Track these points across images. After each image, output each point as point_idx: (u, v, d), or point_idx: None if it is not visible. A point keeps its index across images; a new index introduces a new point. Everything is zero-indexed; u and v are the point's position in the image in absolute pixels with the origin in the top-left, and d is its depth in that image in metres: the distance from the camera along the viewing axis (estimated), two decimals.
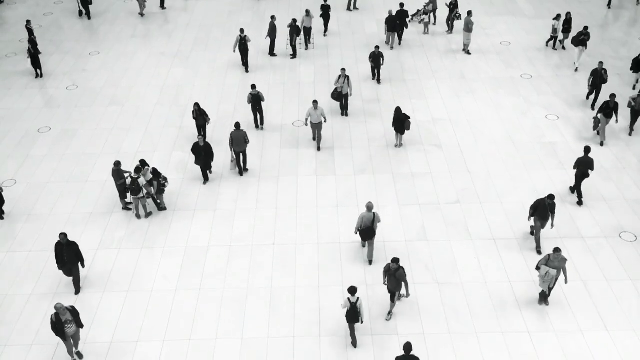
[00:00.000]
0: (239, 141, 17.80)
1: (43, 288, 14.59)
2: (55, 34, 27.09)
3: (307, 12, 24.68)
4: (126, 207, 16.89)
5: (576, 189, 16.70)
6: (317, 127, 18.68)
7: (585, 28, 22.22)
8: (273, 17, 24.08)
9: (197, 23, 27.93)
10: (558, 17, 24.16)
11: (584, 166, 16.39)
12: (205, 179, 17.71)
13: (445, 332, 13.32)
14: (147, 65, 24.39)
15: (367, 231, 14.72)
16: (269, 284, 14.56)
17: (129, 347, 13.14)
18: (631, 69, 21.66)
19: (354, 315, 12.50)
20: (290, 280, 14.65)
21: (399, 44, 25.63)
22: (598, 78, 20.20)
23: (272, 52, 24.84)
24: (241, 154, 18.18)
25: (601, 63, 20.04)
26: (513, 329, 13.34)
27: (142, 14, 28.55)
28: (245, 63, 23.85)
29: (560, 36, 25.69)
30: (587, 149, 16.45)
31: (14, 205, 17.23)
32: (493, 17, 27.95)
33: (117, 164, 16.19)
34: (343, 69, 20.05)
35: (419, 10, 27.19)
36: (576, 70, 22.96)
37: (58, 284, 14.68)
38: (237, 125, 17.73)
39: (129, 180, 16.02)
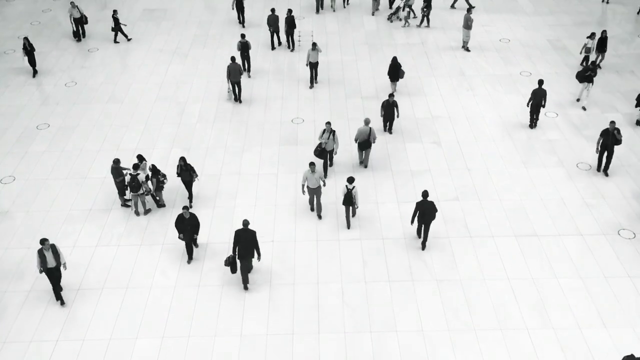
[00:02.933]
0: (234, 72, 20.88)
1: (42, 285, 14.59)
2: (53, 31, 27.04)
3: (314, 45, 21.31)
4: (125, 204, 16.89)
5: (535, 117, 19.68)
6: (315, 193, 15.96)
7: (593, 63, 20.19)
8: (273, 10, 24.29)
9: (195, 20, 27.89)
10: (592, 35, 22.19)
11: (538, 97, 19.20)
12: (190, 256, 14.95)
13: (444, 329, 13.33)
14: (145, 62, 24.36)
15: (364, 143, 17.63)
16: (267, 281, 14.56)
17: (128, 344, 13.15)
18: (636, 106, 19.75)
19: (349, 199, 15.46)
20: (289, 277, 14.66)
21: (377, 9, 27.90)
22: (610, 139, 17.00)
23: (274, 46, 25.03)
24: (236, 85, 21.21)
25: (613, 123, 16.82)
26: (511, 326, 13.36)
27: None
28: (241, 19, 26.77)
29: (594, 56, 23.58)
30: (541, 82, 19.27)
31: (12, 201, 17.22)
32: (492, 14, 27.93)
33: (116, 161, 16.18)
34: (328, 123, 17.05)
35: (399, 7, 26.98)
36: (584, 109, 20.64)
37: None
38: (233, 58, 20.75)
39: (128, 177, 16.02)
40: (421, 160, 18.50)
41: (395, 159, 18.57)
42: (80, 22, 25.61)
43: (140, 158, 16.57)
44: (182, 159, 15.94)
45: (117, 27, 25.30)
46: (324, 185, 15.97)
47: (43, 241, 13.30)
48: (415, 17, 27.29)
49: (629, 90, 21.77)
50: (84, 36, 26.08)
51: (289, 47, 24.94)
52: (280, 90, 22.32)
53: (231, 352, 12.92)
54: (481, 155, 18.72)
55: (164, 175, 16.56)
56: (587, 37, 22.40)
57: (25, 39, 22.68)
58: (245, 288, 14.29)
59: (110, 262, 15.19)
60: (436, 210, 14.77)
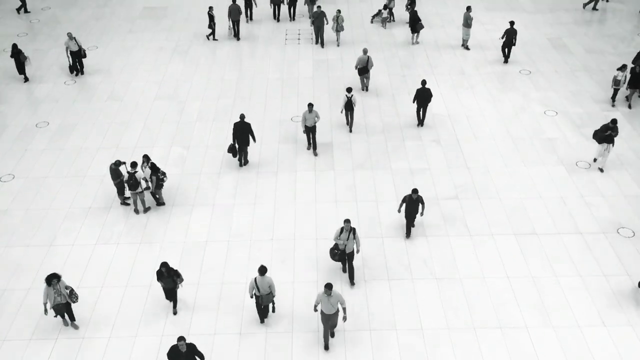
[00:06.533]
0: (234, 12, 24.80)
1: (42, 282, 14.57)
2: (53, 29, 27.01)
3: (310, 106, 17.98)
4: (124, 202, 16.88)
5: (507, 53, 23.13)
6: (331, 320, 12.59)
7: (614, 122, 17.19)
8: None
9: (195, 18, 27.86)
10: (623, 67, 20.24)
11: (509, 35, 22.64)
12: None
13: (444, 327, 13.33)
14: (145, 60, 24.33)
15: (362, 69, 21.14)
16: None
17: (128, 342, 13.15)
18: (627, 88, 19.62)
19: (350, 105, 18.96)
20: (288, 276, 14.66)
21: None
22: None
23: (278, 18, 27.14)
24: (235, 23, 25.07)
25: None
26: (511, 325, 13.37)
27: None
28: None
29: (626, 91, 21.29)
30: (512, 22, 22.52)
31: (12, 199, 17.20)
32: (492, 12, 27.92)
33: (117, 163, 16.12)
34: (347, 221, 13.71)
35: (380, 10, 26.77)
36: (601, 170, 17.87)
37: None
38: (234, 0, 24.76)
39: (126, 176, 15.99)
40: (421, 158, 18.49)
41: (395, 157, 18.56)
42: (78, 55, 22.87)
43: (147, 158, 16.47)
44: (164, 264, 13.05)
45: (212, 24, 25.11)
46: (345, 319, 12.60)
47: None
48: (393, 20, 27.12)
49: None
50: (81, 72, 23.30)
51: (290, 18, 27.22)
52: (280, 89, 22.30)
53: (231, 350, 12.91)
54: (481, 153, 18.71)
55: (164, 173, 16.53)
56: (618, 69, 20.37)
57: (14, 45, 22.36)
58: (241, 166, 18.09)
59: (109, 260, 15.19)
60: (432, 95, 19.24)
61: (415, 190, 14.89)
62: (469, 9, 23.71)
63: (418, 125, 19.88)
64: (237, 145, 17.78)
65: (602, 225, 15.96)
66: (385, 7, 26.48)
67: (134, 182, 15.86)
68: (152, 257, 15.24)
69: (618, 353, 12.72)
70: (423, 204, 15.13)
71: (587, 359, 12.63)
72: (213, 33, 25.47)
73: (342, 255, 14.12)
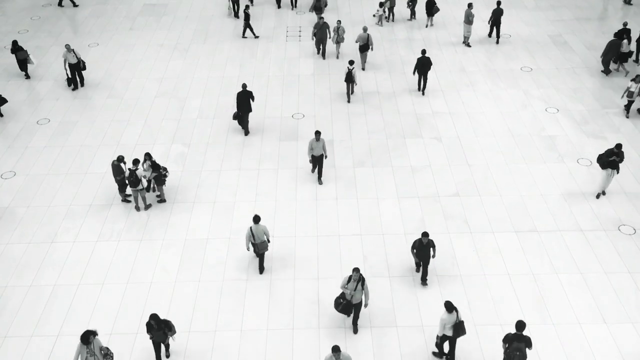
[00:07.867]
0: None
1: (43, 280, 14.62)
2: (53, 26, 27.01)
3: (317, 134, 16.66)
4: (125, 199, 16.90)
5: (497, 33, 24.41)
6: None
7: (619, 146, 15.95)
8: None
9: (195, 15, 27.84)
10: (637, 78, 19.13)
11: (495, 14, 24.04)
12: None
13: None
14: (146, 57, 24.33)
15: (363, 46, 22.38)
16: (268, 276, 14.58)
17: (129, 339, 13.17)
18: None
19: (350, 77, 20.34)
20: (289, 273, 14.68)
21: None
22: None
23: (279, 5, 28.26)
24: (235, 3, 27.12)
25: None
26: (511, 322, 13.38)
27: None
28: None
29: (638, 103, 20.49)
30: (499, 2, 23.91)
31: (13, 197, 17.23)
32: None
33: (120, 159, 16.12)
34: (356, 270, 12.56)
35: (378, 10, 26.59)
36: (598, 196, 16.75)
37: (58, 275, 14.71)
38: None
39: (127, 173, 16.01)
40: (421, 155, 18.49)
41: (396, 154, 18.56)
42: (77, 68, 21.77)
43: (148, 156, 16.48)
44: (154, 316, 11.85)
45: (247, 23, 25.12)
46: None
47: None
48: (393, 19, 26.97)
49: None
50: (81, 84, 22.22)
51: (292, 7, 28.23)
52: (280, 86, 22.30)
53: (231, 347, 12.94)
54: (481, 150, 18.71)
55: (165, 169, 16.55)
56: (631, 80, 19.29)
57: (14, 42, 22.27)
58: (246, 134, 19.49)
59: (110, 258, 15.21)
60: (432, 63, 20.76)
61: (425, 234, 13.56)
62: (470, 5, 23.68)
63: (418, 90, 21.37)
64: (240, 113, 19.04)
65: (603, 223, 15.96)
66: (381, 4, 26.33)
67: (134, 179, 15.88)
68: (153, 255, 15.27)
69: (618, 350, 12.74)
70: (434, 247, 13.96)
71: (588, 356, 12.65)
72: (252, 30, 25.38)
73: (348, 306, 12.89)
